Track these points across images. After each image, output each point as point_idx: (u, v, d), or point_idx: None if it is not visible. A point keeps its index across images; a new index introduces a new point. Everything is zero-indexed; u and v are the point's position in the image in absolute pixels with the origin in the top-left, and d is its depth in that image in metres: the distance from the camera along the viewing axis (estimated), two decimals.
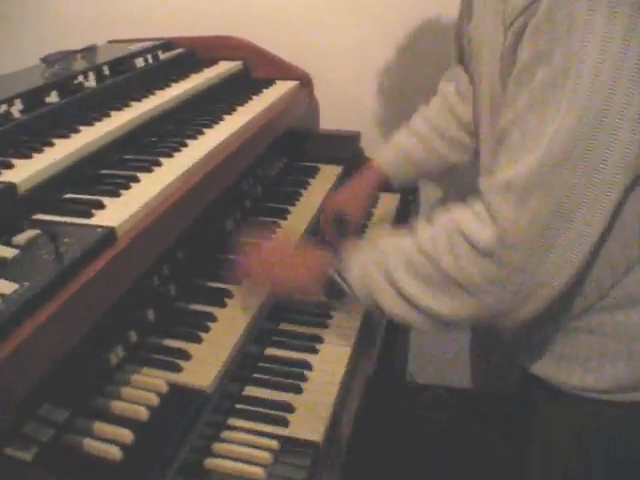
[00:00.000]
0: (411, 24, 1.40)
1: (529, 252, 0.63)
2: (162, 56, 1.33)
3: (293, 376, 0.83)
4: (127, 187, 0.81)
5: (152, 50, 1.34)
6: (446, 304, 0.68)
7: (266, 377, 0.83)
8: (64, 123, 0.95)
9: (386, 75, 1.45)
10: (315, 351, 0.88)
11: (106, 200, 0.77)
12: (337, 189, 1.19)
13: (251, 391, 0.81)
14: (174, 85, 1.20)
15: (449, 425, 1.56)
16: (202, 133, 1.03)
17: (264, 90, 1.31)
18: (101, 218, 0.73)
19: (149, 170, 0.87)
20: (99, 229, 0.69)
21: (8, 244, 0.67)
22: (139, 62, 1.24)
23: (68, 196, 0.80)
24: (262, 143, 1.15)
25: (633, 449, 0.78)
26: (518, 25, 0.62)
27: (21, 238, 0.68)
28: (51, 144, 0.87)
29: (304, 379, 0.82)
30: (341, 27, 1.49)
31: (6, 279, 0.59)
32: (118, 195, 0.79)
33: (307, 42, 1.51)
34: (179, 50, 1.41)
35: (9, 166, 0.79)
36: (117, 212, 0.74)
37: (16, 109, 0.96)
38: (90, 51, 1.24)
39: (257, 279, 0.88)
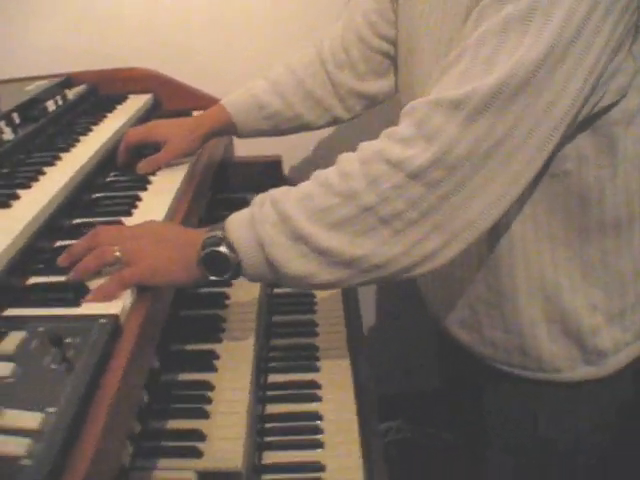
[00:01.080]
0: None
1: (465, 179, 0.60)
2: (70, 96, 1.21)
3: (308, 431, 0.79)
4: None
5: (57, 90, 1.21)
6: (364, 247, 0.62)
7: (280, 439, 0.79)
8: None
9: None
10: (318, 399, 0.85)
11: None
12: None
13: (270, 457, 0.76)
14: (95, 129, 1.09)
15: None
16: (149, 182, 0.95)
17: None
18: (93, 305, 0.64)
19: None
20: (102, 320, 0.60)
21: None
22: (50, 105, 1.11)
23: (34, 281, 0.70)
24: (208, 178, 1.10)
25: (584, 427, 0.84)
26: None
27: (7, 346, 0.58)
28: None
29: (319, 432, 0.79)
30: (250, 49, 1.46)
31: (21, 407, 0.50)
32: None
33: (213, 67, 1.46)
34: (83, 87, 1.28)
35: None
36: None
37: None
38: None
39: (108, 255, 0.66)
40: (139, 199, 0.89)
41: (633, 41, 0.67)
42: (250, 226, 0.66)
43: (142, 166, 0.97)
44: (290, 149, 1.49)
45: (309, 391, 0.86)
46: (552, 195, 0.72)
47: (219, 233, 0.67)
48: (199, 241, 0.67)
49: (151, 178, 0.96)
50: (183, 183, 0.95)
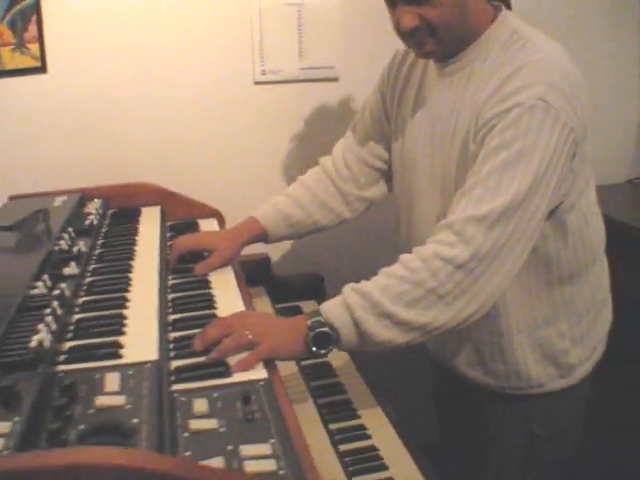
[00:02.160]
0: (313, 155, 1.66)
1: (488, 266, 0.92)
2: (100, 211, 1.40)
3: (373, 459, 1.03)
4: None
5: (82, 205, 1.40)
6: (429, 316, 0.92)
7: (359, 467, 1.01)
8: (108, 296, 1.02)
9: None
10: (368, 437, 1.09)
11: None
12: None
13: None
14: (138, 239, 1.30)
15: None
16: (209, 282, 1.17)
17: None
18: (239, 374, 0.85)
19: None
20: (261, 382, 0.82)
21: (190, 416, 0.77)
22: (93, 220, 1.30)
23: (178, 364, 0.89)
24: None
25: (564, 427, 1.17)
26: (490, 125, 0.96)
27: (201, 408, 0.78)
28: (120, 331, 0.92)
29: (381, 458, 1.03)
30: (239, 165, 1.74)
31: (249, 443, 0.70)
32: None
33: (207, 180, 1.72)
34: (99, 201, 1.47)
35: (117, 352, 0.86)
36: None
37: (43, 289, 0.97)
38: (44, 211, 1.24)
39: (243, 338, 0.89)
40: (212, 295, 1.11)
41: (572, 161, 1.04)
42: (345, 311, 0.93)
43: (199, 269, 1.19)
44: (277, 250, 1.75)
45: (360, 432, 1.11)
46: (527, 262, 1.03)
47: (320, 318, 0.94)
48: (304, 325, 0.94)
49: (208, 278, 1.18)
50: (236, 280, 1.18)
